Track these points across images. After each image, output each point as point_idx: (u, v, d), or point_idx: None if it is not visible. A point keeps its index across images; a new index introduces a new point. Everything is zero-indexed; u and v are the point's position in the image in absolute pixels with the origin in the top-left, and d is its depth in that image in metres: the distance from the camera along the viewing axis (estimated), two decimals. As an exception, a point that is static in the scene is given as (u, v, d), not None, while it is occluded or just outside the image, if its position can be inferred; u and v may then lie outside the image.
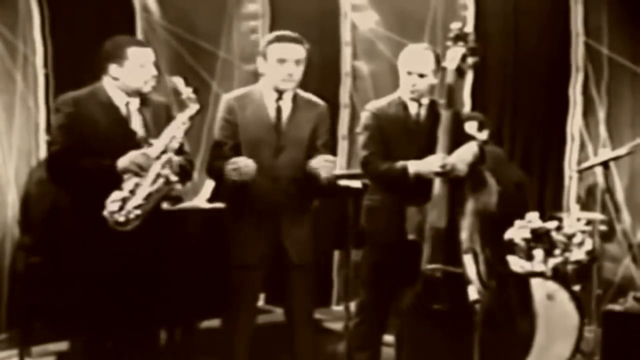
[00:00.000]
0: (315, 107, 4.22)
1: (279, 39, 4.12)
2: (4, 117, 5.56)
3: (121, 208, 3.69)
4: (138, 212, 3.71)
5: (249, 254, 4.09)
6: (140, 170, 3.72)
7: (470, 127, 5.38)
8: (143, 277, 3.80)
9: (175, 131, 3.82)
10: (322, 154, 4.12)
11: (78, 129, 3.78)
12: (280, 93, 4.13)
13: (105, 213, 3.69)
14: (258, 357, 4.25)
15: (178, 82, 3.88)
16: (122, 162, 3.72)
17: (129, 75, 3.83)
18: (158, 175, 3.76)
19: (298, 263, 4.12)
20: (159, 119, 3.92)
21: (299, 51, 4.10)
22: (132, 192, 3.72)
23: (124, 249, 3.73)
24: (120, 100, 3.86)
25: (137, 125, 3.87)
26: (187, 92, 3.87)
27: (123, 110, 3.85)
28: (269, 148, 4.09)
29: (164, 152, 3.78)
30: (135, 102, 3.88)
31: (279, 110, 4.13)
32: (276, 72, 4.09)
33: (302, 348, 4.22)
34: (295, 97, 4.17)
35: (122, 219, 3.69)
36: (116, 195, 3.70)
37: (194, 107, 3.85)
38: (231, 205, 4.22)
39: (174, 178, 3.78)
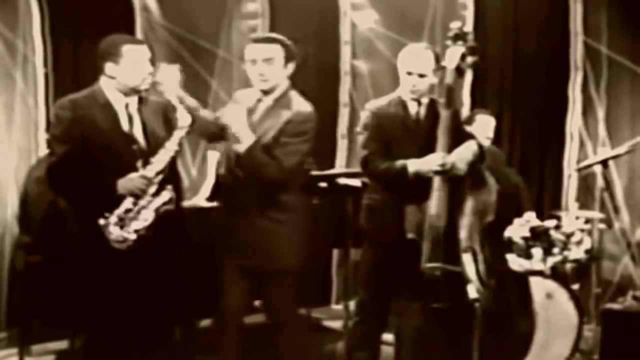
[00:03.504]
0: (291, 112, 4.00)
1: (253, 41, 4.06)
2: (4, 116, 5.56)
3: (120, 227, 3.71)
4: (135, 235, 3.72)
5: (226, 255, 4.07)
6: (141, 193, 3.75)
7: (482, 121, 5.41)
8: (143, 276, 3.80)
9: (173, 148, 3.83)
10: (275, 152, 3.92)
11: (77, 133, 3.78)
12: (265, 93, 4.04)
13: (102, 224, 3.70)
14: (252, 356, 4.25)
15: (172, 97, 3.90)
16: (123, 185, 3.73)
17: (125, 73, 3.83)
18: (155, 195, 3.78)
19: (257, 268, 4.01)
20: (157, 119, 3.92)
21: (270, 50, 3.98)
22: (129, 210, 3.74)
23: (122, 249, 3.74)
24: (118, 101, 3.85)
25: (136, 128, 3.87)
26: (180, 107, 3.88)
27: (122, 112, 3.85)
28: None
29: (161, 172, 3.80)
30: (134, 103, 3.88)
31: (253, 110, 4.04)
32: (250, 73, 4.03)
33: (285, 352, 4.15)
34: (279, 98, 4.03)
35: (120, 238, 3.71)
36: (115, 212, 3.70)
37: (187, 122, 3.85)
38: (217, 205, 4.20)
39: (170, 196, 3.80)
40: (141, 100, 3.90)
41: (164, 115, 3.95)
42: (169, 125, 3.90)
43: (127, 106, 3.86)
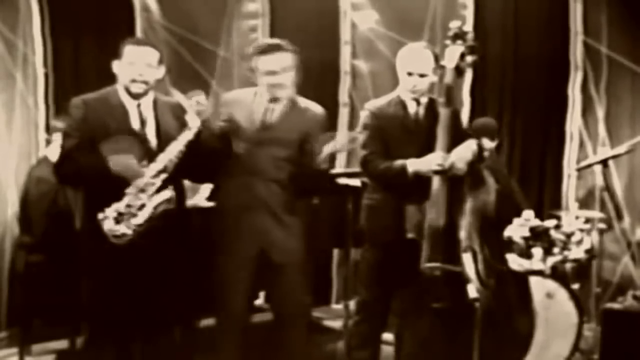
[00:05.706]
0: (309, 113, 4.18)
1: (264, 51, 4.08)
2: (4, 116, 5.57)
3: (118, 221, 3.72)
4: (132, 230, 3.73)
5: (232, 253, 4.10)
6: (140, 192, 3.76)
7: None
8: (143, 276, 3.81)
9: (178, 149, 3.84)
10: (311, 159, 4.10)
11: (87, 132, 3.80)
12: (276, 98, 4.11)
13: (101, 219, 3.71)
14: (255, 355, 4.24)
15: (180, 98, 3.91)
16: (116, 161, 3.74)
17: (121, 72, 3.87)
18: (156, 193, 3.79)
19: (279, 262, 4.08)
20: (174, 121, 3.92)
21: (288, 59, 4.06)
22: (130, 206, 3.75)
23: (124, 248, 3.74)
24: (130, 102, 3.87)
25: (149, 128, 3.88)
26: (190, 109, 3.89)
27: (134, 112, 3.87)
28: (252, 145, 4.07)
29: (163, 171, 3.80)
30: (147, 104, 3.89)
31: (269, 110, 4.09)
32: (264, 83, 4.06)
33: (292, 350, 4.18)
34: (290, 102, 4.12)
35: (118, 232, 3.72)
36: (114, 207, 3.72)
37: (197, 125, 3.86)
38: (216, 202, 4.26)
39: (170, 195, 3.81)
40: (156, 102, 3.92)
41: (180, 117, 3.94)
42: (184, 127, 3.89)
43: (139, 106, 3.88)
